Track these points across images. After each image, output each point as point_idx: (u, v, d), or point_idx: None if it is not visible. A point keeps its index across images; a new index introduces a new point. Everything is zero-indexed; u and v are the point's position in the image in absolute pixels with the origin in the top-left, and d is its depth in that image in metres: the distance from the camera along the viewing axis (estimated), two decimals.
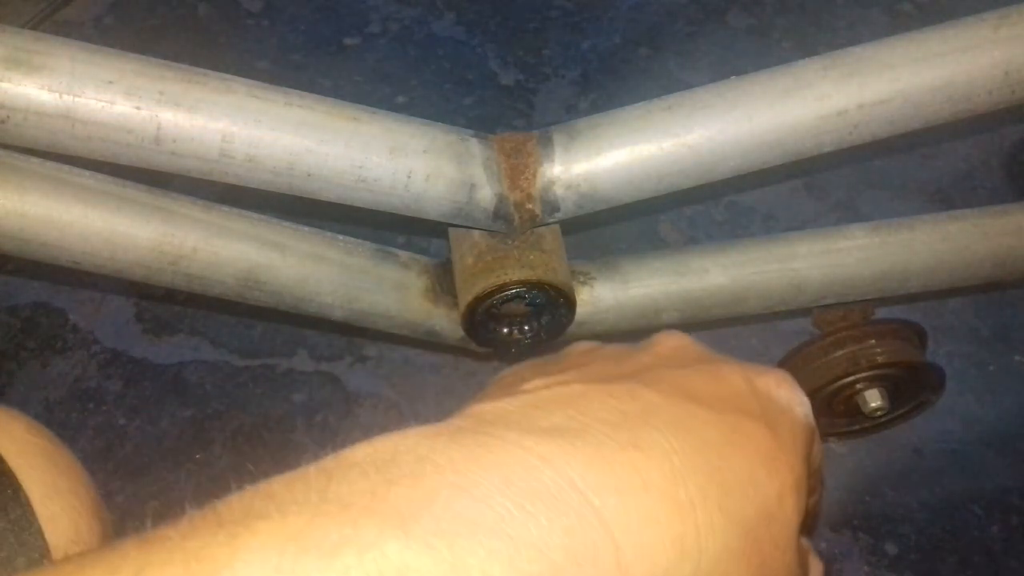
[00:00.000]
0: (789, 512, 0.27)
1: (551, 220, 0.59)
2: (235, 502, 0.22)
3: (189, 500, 0.23)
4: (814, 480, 0.31)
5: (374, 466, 0.23)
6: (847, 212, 0.98)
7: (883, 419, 0.77)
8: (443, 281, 0.66)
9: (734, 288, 0.67)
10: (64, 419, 0.85)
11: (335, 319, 0.65)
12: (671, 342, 0.32)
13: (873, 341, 0.72)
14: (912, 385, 0.76)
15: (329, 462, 0.23)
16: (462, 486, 0.22)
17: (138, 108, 0.49)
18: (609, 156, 0.56)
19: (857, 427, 0.80)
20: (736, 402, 0.28)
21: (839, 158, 0.61)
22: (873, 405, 0.73)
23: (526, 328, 0.65)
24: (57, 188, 0.54)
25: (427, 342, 0.70)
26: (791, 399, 0.30)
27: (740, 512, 0.25)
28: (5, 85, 0.48)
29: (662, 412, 0.26)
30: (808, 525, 0.33)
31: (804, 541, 0.31)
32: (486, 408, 0.26)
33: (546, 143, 0.57)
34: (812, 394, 0.74)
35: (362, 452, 0.24)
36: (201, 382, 0.88)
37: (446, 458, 0.23)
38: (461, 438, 0.24)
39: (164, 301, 0.92)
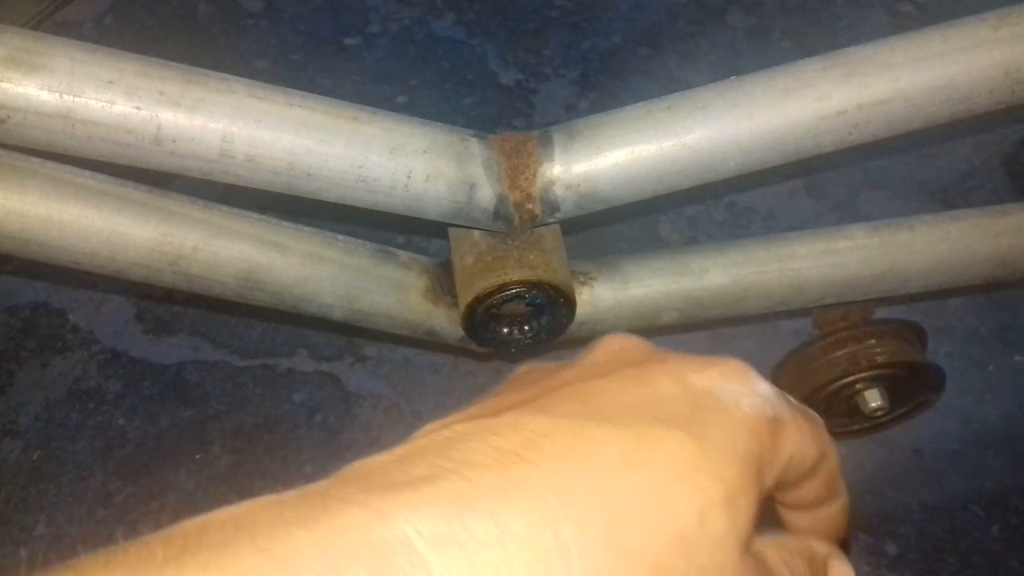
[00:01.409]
0: (718, 531, 0.23)
1: (551, 220, 0.59)
2: None
3: (190, 503, 0.22)
4: (819, 482, 0.28)
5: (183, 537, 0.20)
6: (847, 212, 0.98)
7: (883, 419, 0.77)
8: (443, 281, 0.66)
9: (734, 288, 0.66)
10: (64, 419, 0.85)
11: (335, 319, 0.65)
12: (611, 346, 0.28)
13: (873, 341, 0.72)
14: (912, 385, 0.76)
15: (150, 537, 0.21)
16: (272, 551, 0.20)
17: (138, 108, 0.49)
18: (609, 156, 0.56)
19: (857, 427, 0.80)
20: (654, 408, 0.24)
21: (839, 158, 0.61)
22: (873, 405, 0.73)
23: (526, 328, 0.65)
24: (57, 188, 0.54)
25: (427, 342, 0.70)
26: (738, 392, 0.25)
27: (640, 544, 0.22)
28: (5, 85, 0.48)
29: (546, 442, 0.23)
30: (840, 536, 0.30)
31: (821, 547, 0.28)
32: (356, 465, 0.24)
33: (546, 143, 0.57)
34: (812, 394, 0.74)
35: (190, 526, 0.21)
36: (201, 382, 0.88)
37: (268, 527, 0.20)
38: (300, 504, 0.21)
39: (164, 301, 0.92)
